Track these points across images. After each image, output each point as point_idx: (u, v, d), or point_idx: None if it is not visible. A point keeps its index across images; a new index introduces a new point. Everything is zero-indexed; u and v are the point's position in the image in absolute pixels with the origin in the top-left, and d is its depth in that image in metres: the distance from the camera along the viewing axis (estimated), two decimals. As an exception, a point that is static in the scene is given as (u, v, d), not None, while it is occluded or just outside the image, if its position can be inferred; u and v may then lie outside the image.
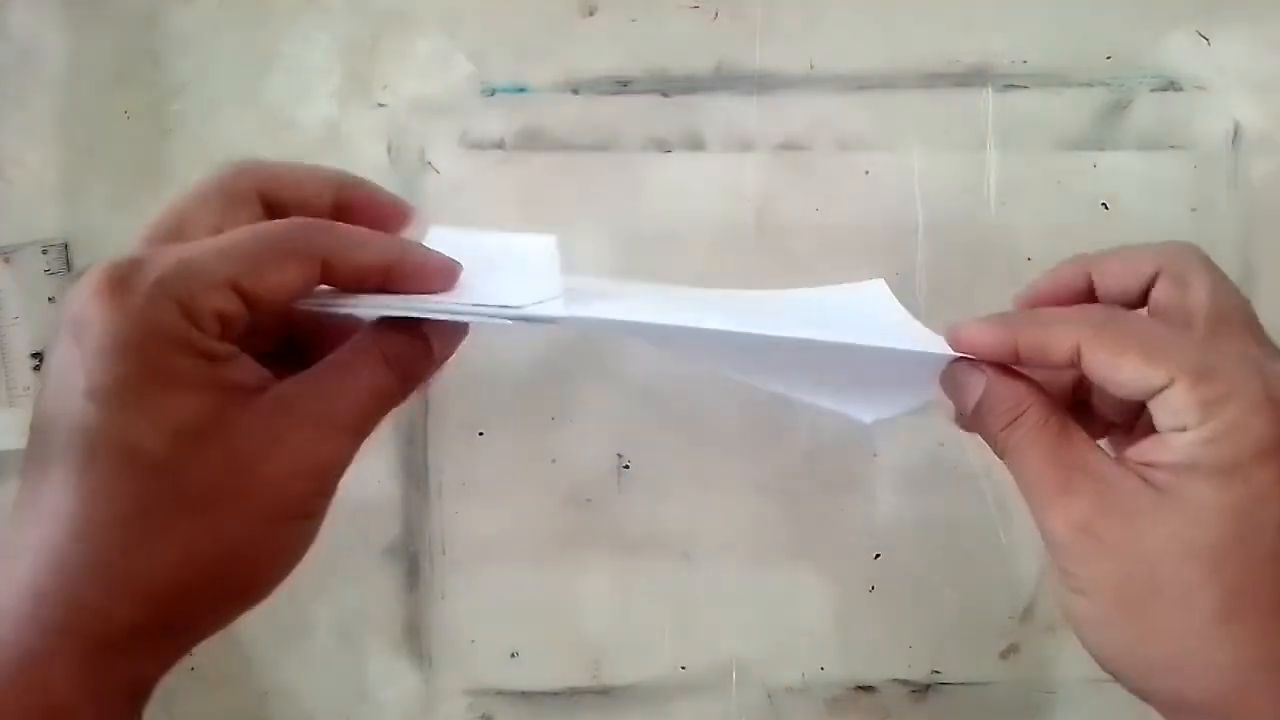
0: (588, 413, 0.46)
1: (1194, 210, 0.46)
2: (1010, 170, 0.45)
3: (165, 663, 0.28)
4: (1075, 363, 0.28)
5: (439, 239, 0.32)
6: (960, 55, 0.46)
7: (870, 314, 0.36)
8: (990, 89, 0.45)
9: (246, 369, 0.28)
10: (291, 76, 0.46)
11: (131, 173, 0.46)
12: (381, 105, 0.46)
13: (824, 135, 0.45)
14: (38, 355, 0.46)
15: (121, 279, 0.26)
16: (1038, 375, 0.30)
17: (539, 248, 0.35)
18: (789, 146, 0.46)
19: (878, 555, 0.46)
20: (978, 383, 0.30)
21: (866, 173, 0.45)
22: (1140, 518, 0.27)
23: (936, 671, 0.46)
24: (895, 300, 0.36)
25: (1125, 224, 0.45)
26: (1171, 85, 0.46)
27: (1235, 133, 0.46)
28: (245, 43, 0.46)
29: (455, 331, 0.31)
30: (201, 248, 0.27)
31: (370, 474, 0.46)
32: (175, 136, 0.46)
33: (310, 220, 0.29)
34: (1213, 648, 0.26)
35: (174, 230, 0.29)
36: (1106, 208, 0.46)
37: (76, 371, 0.26)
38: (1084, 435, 0.29)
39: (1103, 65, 0.46)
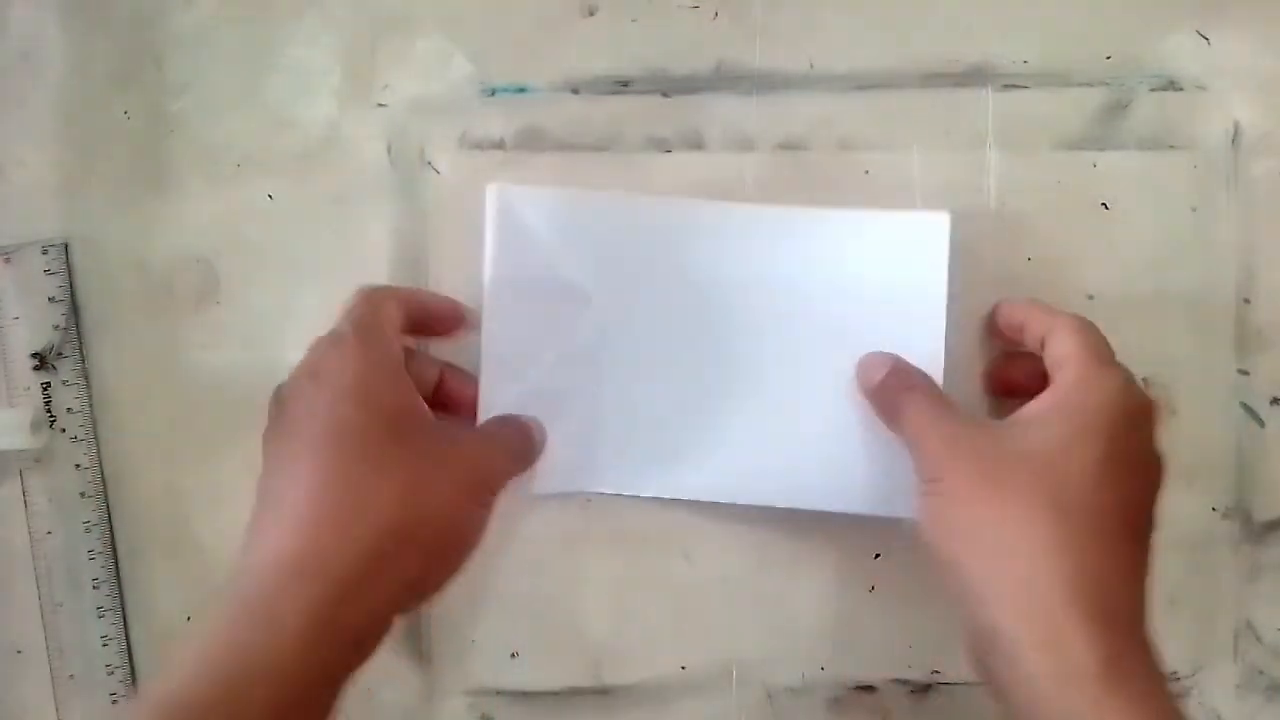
0: (588, 413, 0.46)
1: (1194, 210, 0.46)
2: (1010, 170, 0.45)
3: (390, 604, 0.35)
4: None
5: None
6: (960, 55, 0.46)
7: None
8: (990, 89, 0.45)
9: (423, 369, 0.42)
10: (291, 76, 0.46)
11: (131, 173, 0.46)
12: (381, 105, 0.46)
13: (824, 135, 0.46)
14: (38, 355, 0.46)
15: (360, 327, 0.38)
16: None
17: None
18: (789, 146, 0.46)
19: (878, 555, 0.46)
20: (887, 361, 0.42)
21: (866, 173, 0.45)
22: (993, 435, 0.37)
23: (936, 671, 0.46)
24: (945, 257, 0.43)
25: (1125, 224, 0.45)
26: (1171, 85, 0.46)
27: (1235, 133, 0.46)
28: (245, 43, 0.46)
29: (543, 436, 0.43)
30: (375, 296, 0.40)
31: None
32: (175, 136, 0.46)
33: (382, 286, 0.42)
34: (1036, 527, 0.34)
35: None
36: (1106, 208, 0.46)
37: (329, 389, 0.36)
38: (956, 403, 0.40)
39: (1103, 65, 0.46)
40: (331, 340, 0.38)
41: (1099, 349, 0.38)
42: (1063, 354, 0.38)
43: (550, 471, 0.44)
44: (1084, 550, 0.34)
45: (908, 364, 0.41)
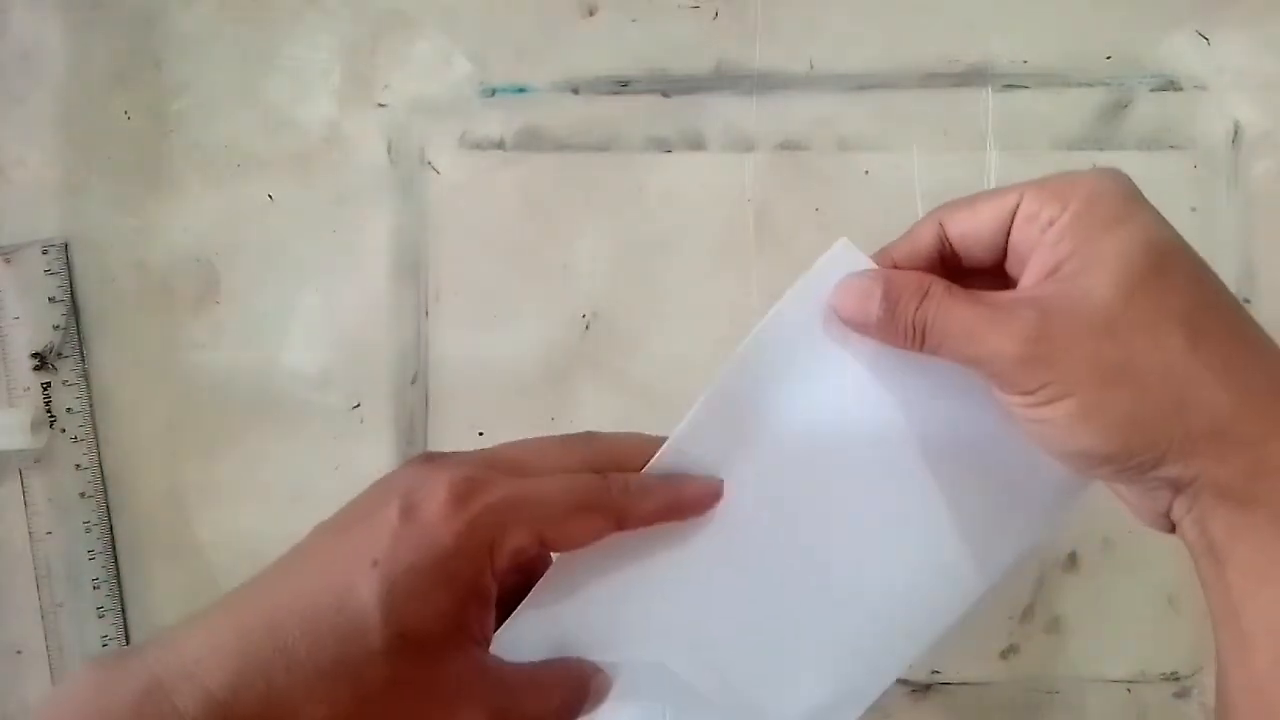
0: (587, 412, 0.46)
1: (1194, 210, 0.46)
2: (1010, 170, 0.45)
3: None
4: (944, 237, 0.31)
5: None
6: (960, 55, 0.46)
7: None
8: (990, 89, 0.45)
9: (484, 622, 0.30)
10: (291, 76, 0.46)
11: (131, 173, 0.46)
12: (381, 105, 0.46)
13: (824, 135, 0.45)
14: (38, 355, 0.46)
15: (468, 492, 0.29)
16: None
17: None
18: (789, 146, 0.46)
19: (878, 555, 0.46)
20: (875, 282, 0.31)
21: (866, 173, 0.45)
22: (1075, 304, 0.28)
23: (936, 671, 0.46)
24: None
25: (1125, 224, 0.45)
26: (1171, 85, 0.46)
27: (1235, 133, 0.45)
28: (245, 43, 0.46)
29: (604, 697, 0.33)
30: (528, 487, 0.30)
31: (370, 472, 0.46)
32: (175, 136, 0.46)
33: (609, 479, 0.32)
34: (1198, 373, 0.28)
35: (515, 465, 0.31)
36: (1106, 208, 0.46)
37: (377, 534, 0.28)
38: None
39: (1103, 65, 0.46)
40: (416, 516, 0.29)
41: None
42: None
43: None
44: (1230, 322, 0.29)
45: (898, 271, 0.31)
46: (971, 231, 0.31)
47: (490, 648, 0.31)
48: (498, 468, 0.31)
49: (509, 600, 0.32)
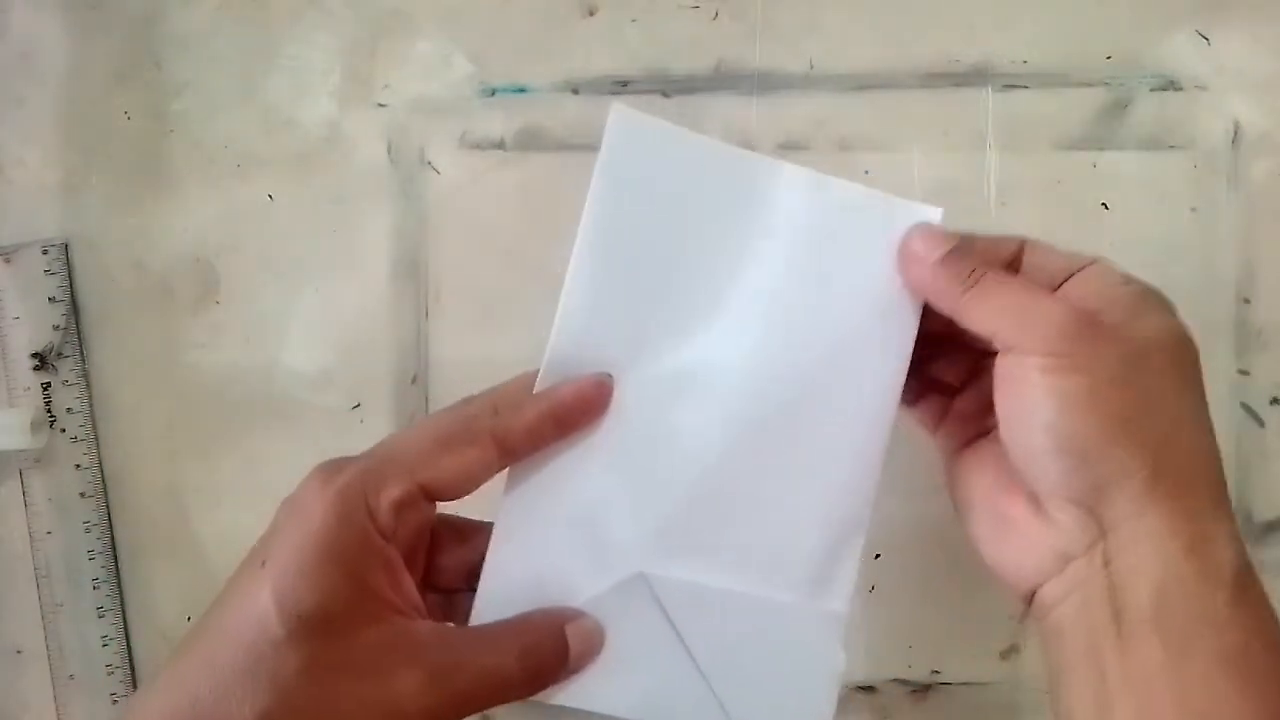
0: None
1: (1194, 210, 0.46)
2: (1010, 170, 0.45)
3: None
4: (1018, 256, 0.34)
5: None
6: (960, 55, 0.46)
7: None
8: (990, 89, 0.45)
9: (401, 588, 0.30)
10: (291, 76, 0.46)
11: (131, 173, 0.46)
12: (381, 105, 0.46)
13: (824, 135, 0.45)
14: (38, 355, 0.46)
15: (335, 470, 0.30)
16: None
17: None
18: (789, 146, 0.46)
19: (878, 555, 0.46)
20: (950, 234, 0.34)
21: (866, 173, 0.45)
22: (1120, 326, 0.30)
23: (936, 671, 0.46)
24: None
25: (1125, 224, 0.45)
26: (1171, 85, 0.46)
27: (1235, 133, 0.45)
28: (245, 43, 0.46)
29: (594, 643, 0.33)
30: (392, 443, 0.31)
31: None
32: (175, 136, 0.46)
33: (474, 407, 0.32)
34: (1195, 428, 0.30)
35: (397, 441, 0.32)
36: (1106, 208, 0.46)
37: (267, 539, 0.30)
38: None
39: (1103, 65, 0.46)
40: (293, 508, 0.31)
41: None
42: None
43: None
44: (1211, 434, 0.31)
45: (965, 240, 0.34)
46: (1046, 265, 0.33)
47: (471, 619, 0.32)
48: (377, 449, 0.31)
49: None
